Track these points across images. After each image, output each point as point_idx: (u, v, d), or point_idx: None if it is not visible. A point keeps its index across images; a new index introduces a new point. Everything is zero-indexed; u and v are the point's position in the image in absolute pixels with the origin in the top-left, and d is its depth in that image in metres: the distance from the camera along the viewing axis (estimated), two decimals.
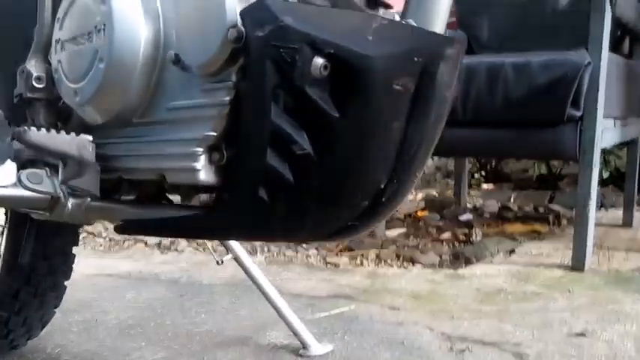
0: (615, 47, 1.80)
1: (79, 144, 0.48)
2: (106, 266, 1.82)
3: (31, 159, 0.60)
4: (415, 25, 0.48)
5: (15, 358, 1.07)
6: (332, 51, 0.43)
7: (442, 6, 0.48)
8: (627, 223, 2.06)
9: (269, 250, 1.92)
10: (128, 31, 0.49)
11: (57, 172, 0.58)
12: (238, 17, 0.43)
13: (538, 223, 2.08)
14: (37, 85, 0.58)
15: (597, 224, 2.00)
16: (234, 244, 1.03)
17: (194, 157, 0.48)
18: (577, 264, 1.48)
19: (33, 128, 0.48)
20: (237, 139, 0.48)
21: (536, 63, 1.47)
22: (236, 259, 1.02)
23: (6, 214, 1.11)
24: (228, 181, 0.50)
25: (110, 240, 2.26)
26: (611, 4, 1.42)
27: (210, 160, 0.49)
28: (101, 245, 2.19)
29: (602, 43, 1.41)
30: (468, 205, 2.50)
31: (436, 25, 0.48)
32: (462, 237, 1.96)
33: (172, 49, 0.49)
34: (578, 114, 1.44)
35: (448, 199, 2.53)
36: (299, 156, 0.46)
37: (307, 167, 0.46)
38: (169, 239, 2.17)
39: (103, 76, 0.51)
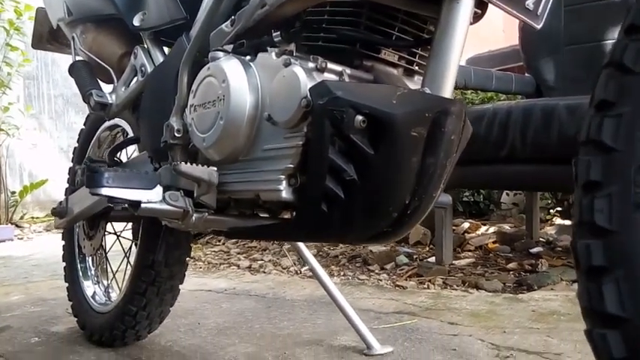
0: None
1: (209, 172, 0.74)
2: (205, 283, 2.12)
3: (168, 185, 0.87)
4: (428, 91, 0.69)
5: (137, 349, 1.35)
6: (368, 111, 0.65)
7: (449, 78, 0.69)
8: None
9: (344, 275, 2.13)
10: (239, 100, 0.75)
11: (189, 194, 0.84)
12: (308, 92, 0.67)
13: None
14: (177, 135, 0.85)
15: None
16: (311, 259, 1.26)
17: (279, 181, 0.72)
18: None
19: (183, 162, 0.74)
20: (306, 170, 0.71)
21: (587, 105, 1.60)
22: (312, 270, 1.24)
23: (134, 235, 1.41)
24: (300, 198, 0.73)
25: (209, 263, 2.58)
26: None
27: (289, 184, 0.72)
28: (201, 268, 2.51)
29: None
30: (542, 239, 2.57)
31: (445, 91, 0.69)
32: (528, 267, 2.05)
33: (266, 111, 0.74)
34: None
35: (521, 233, 2.61)
36: (348, 180, 0.68)
37: (353, 188, 0.68)
38: (258, 263, 2.45)
39: (222, 129, 0.77)
